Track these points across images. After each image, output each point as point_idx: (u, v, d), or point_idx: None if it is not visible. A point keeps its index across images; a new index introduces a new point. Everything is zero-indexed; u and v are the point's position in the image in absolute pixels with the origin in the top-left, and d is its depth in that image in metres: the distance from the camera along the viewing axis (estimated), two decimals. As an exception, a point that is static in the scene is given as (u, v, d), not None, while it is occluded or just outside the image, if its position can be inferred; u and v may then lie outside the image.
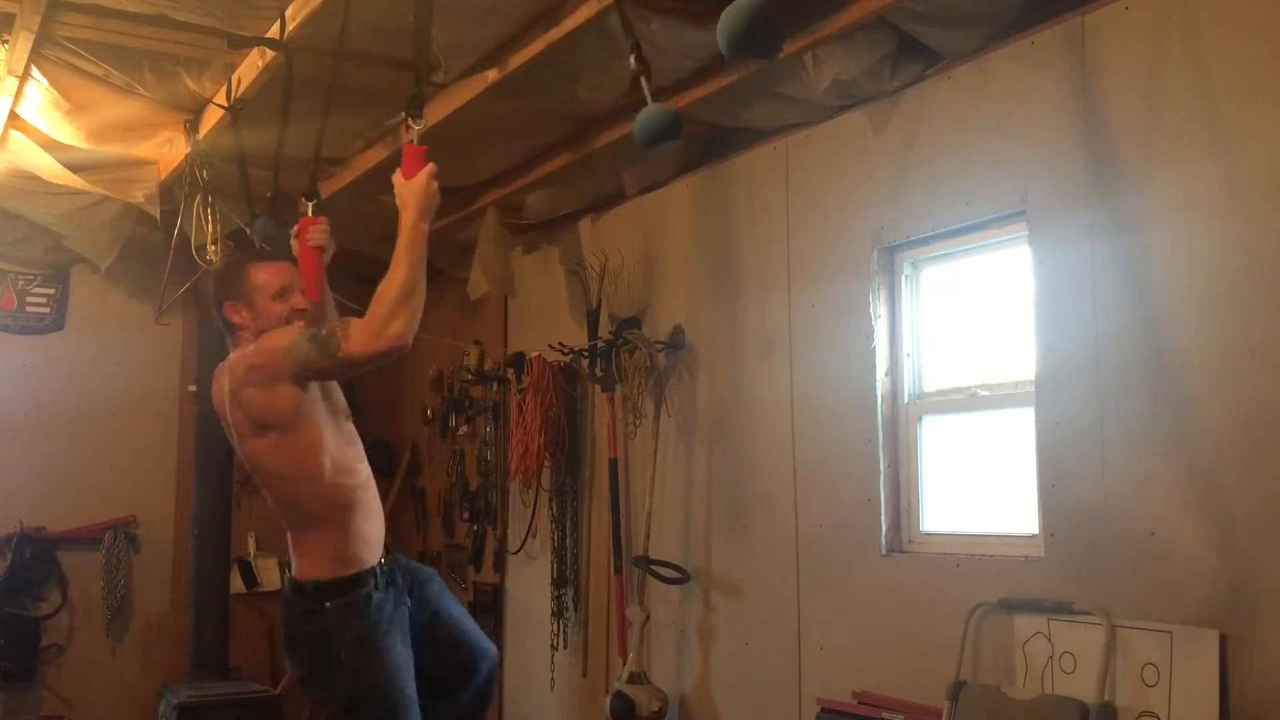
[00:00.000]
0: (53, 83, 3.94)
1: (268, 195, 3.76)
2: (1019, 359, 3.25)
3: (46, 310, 6.12)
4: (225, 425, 2.99)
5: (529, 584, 5.45)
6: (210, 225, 4.47)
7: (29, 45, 3.60)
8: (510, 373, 5.48)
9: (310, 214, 3.22)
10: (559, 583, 5.10)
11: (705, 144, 4.43)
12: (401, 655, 2.91)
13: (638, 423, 4.54)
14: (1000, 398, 3.36)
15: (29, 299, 6.08)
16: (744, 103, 3.88)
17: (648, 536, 4.43)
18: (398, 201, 2.75)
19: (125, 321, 6.22)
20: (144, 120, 4.34)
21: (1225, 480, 2.66)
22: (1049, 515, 3.07)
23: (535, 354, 5.12)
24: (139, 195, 4.87)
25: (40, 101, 4.09)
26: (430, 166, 2.75)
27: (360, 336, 2.67)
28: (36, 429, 5.97)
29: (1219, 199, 2.71)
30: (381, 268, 2.78)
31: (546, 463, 5.04)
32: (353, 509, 2.92)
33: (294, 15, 3.34)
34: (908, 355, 3.63)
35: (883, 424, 3.59)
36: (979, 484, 3.49)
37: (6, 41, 3.59)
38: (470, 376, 5.84)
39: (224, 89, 3.94)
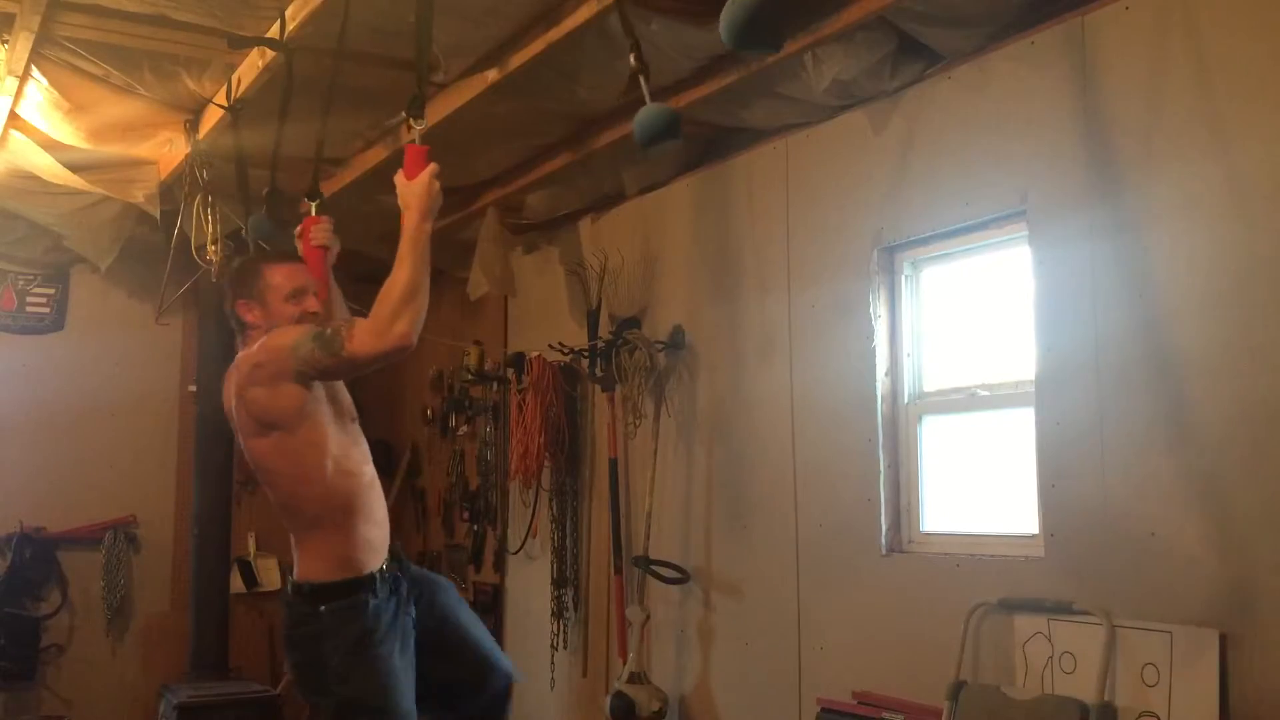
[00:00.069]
0: (53, 83, 3.94)
1: (264, 192, 3.75)
2: (1019, 359, 3.25)
3: (46, 310, 6.12)
4: (233, 426, 2.98)
5: (529, 584, 5.45)
6: (210, 225, 4.47)
7: (29, 45, 3.60)
8: (510, 373, 5.49)
9: (314, 214, 3.23)
10: (559, 583, 5.10)
11: (705, 144, 4.43)
12: (397, 665, 2.84)
13: (638, 423, 4.54)
14: (1000, 398, 3.36)
15: (29, 299, 6.08)
16: (744, 103, 3.88)
17: (648, 536, 4.43)
18: (400, 202, 2.75)
19: (125, 321, 6.22)
20: (144, 120, 4.34)
21: (1225, 480, 2.66)
22: (1049, 515, 3.07)
23: (535, 354, 5.12)
24: (139, 195, 4.87)
25: (40, 101, 4.09)
26: (432, 167, 2.75)
27: (364, 336, 2.67)
28: (36, 429, 5.97)
29: (1219, 199, 2.71)
30: (381, 267, 2.78)
31: (546, 463, 5.04)
32: (354, 512, 2.88)
33: (294, 15, 3.34)
34: (908, 355, 3.63)
35: (883, 424, 3.59)
36: (979, 484, 3.49)
37: (6, 41, 3.59)
38: (470, 376, 5.84)
39: (224, 89, 3.94)
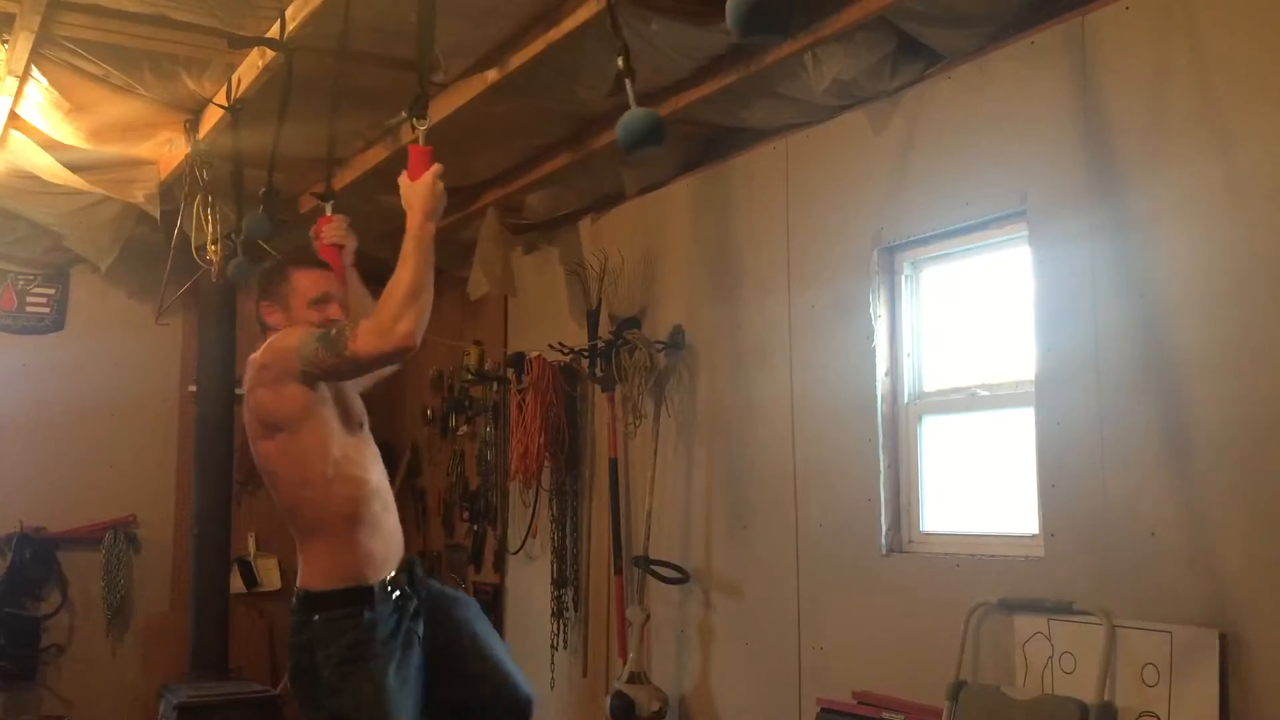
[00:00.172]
0: (53, 83, 3.94)
1: (261, 192, 3.75)
2: (1019, 359, 3.25)
3: (46, 310, 6.12)
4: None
5: (529, 584, 5.45)
6: (210, 225, 4.47)
7: (29, 45, 3.60)
8: (510, 373, 5.49)
9: (328, 213, 3.24)
10: (559, 583, 5.10)
11: (705, 144, 4.43)
12: (391, 682, 2.75)
13: (638, 423, 4.54)
14: (1000, 398, 3.36)
15: (29, 299, 6.08)
16: (744, 103, 3.87)
17: (648, 536, 4.43)
18: (403, 203, 2.75)
19: (125, 321, 6.22)
20: (144, 120, 4.34)
21: (1225, 480, 2.66)
22: (1049, 515, 3.07)
23: (535, 354, 5.12)
24: (139, 195, 4.87)
25: (40, 101, 4.09)
26: (436, 167, 2.75)
27: (367, 336, 2.66)
28: (36, 429, 5.97)
29: (1219, 199, 2.71)
30: (382, 267, 2.77)
31: (546, 463, 5.04)
32: (355, 521, 2.81)
33: (294, 15, 3.34)
34: (908, 355, 3.63)
35: (883, 424, 3.59)
36: (979, 484, 3.49)
37: (6, 41, 3.59)
38: (470, 376, 5.84)
39: (224, 89, 3.94)
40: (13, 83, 3.90)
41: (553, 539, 5.15)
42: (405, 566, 2.91)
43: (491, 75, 3.64)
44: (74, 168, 4.64)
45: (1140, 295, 2.86)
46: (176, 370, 6.32)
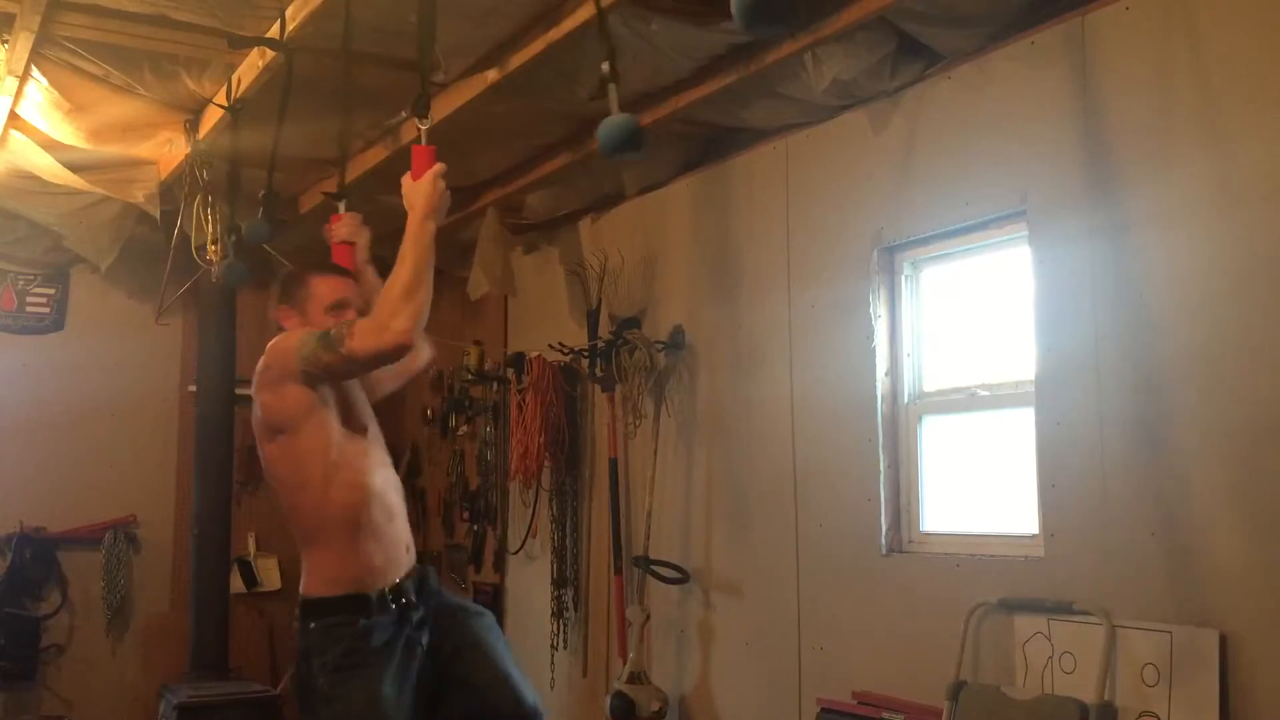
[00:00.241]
0: (53, 83, 3.93)
1: (260, 194, 3.75)
2: (1019, 359, 3.25)
3: (46, 310, 6.11)
4: None
5: (529, 584, 5.45)
6: (210, 225, 4.47)
7: (29, 45, 3.59)
8: (510, 373, 5.49)
9: (341, 211, 3.27)
10: (559, 583, 5.10)
11: (705, 144, 4.43)
12: (387, 690, 2.71)
13: (638, 423, 4.55)
14: (1000, 398, 3.36)
15: (29, 299, 6.08)
16: (744, 103, 3.87)
17: (648, 536, 4.43)
18: (405, 202, 2.75)
19: (125, 321, 6.22)
20: (144, 120, 4.34)
21: (1225, 480, 2.66)
22: (1049, 515, 3.07)
23: (535, 354, 5.12)
24: (139, 195, 4.87)
25: (40, 101, 4.09)
26: (438, 166, 2.74)
27: (364, 334, 2.66)
28: (36, 429, 5.96)
29: (1219, 199, 2.71)
30: (383, 267, 2.77)
31: (546, 463, 5.04)
32: (354, 527, 2.77)
33: (294, 15, 3.34)
34: (908, 355, 3.63)
35: (883, 424, 3.59)
36: (979, 484, 3.49)
37: (6, 41, 3.59)
38: (470, 376, 5.84)
39: (224, 89, 3.94)
40: (13, 83, 3.90)
41: (553, 539, 5.15)
42: (416, 576, 2.87)
43: (491, 75, 3.64)
44: (74, 168, 4.64)
45: (1140, 295, 2.86)
46: (176, 370, 6.31)
